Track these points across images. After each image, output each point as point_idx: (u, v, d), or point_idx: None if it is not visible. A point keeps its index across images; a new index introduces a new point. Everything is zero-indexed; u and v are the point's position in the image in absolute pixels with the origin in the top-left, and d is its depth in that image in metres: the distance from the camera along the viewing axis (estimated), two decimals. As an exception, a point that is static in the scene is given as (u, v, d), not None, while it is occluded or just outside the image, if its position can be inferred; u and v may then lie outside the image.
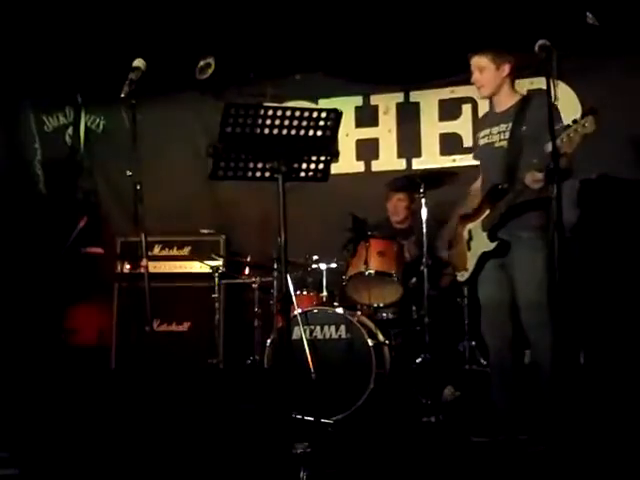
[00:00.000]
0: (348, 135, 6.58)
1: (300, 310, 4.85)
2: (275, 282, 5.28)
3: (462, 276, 4.29)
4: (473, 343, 5.25)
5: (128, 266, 5.84)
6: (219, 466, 2.64)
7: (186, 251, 5.96)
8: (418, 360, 5.10)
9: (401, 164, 6.49)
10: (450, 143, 6.23)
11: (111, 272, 6.11)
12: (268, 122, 3.39)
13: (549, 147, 3.41)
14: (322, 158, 3.59)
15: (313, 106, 6.59)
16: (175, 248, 5.99)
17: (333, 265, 5.23)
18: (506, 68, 4.17)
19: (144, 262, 3.70)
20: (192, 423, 2.75)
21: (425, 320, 4.68)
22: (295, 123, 3.44)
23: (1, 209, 6.41)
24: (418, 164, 6.37)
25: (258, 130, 3.39)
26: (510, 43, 5.41)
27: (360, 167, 6.60)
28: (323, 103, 6.60)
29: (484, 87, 4.21)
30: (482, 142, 4.28)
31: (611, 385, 5.00)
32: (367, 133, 6.61)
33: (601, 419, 4.34)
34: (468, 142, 6.13)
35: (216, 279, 5.55)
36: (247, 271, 5.70)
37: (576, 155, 3.60)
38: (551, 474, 3.35)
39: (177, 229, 6.20)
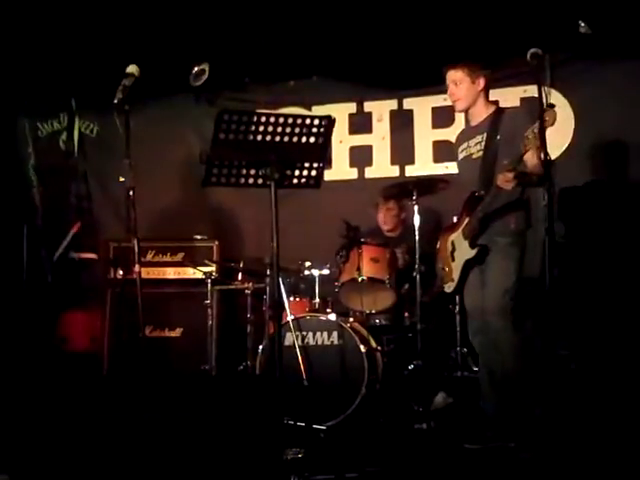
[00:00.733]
0: (342, 142, 6.59)
1: (292, 316, 4.85)
2: (268, 288, 5.28)
3: (449, 287, 4.35)
4: (465, 350, 5.26)
5: (121, 272, 5.82)
6: (210, 472, 2.64)
7: (179, 257, 5.94)
8: (410, 367, 5.11)
9: (394, 171, 6.50)
10: (443, 150, 6.23)
11: (105, 277, 6.09)
12: (261, 128, 3.41)
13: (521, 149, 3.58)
14: (315, 165, 3.61)
15: (306, 113, 6.60)
16: (168, 254, 5.97)
17: (326, 271, 5.23)
18: (481, 82, 4.25)
19: (137, 268, 3.69)
20: (183, 429, 2.75)
21: (417, 327, 4.70)
22: (288, 130, 3.45)
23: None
24: (411, 171, 6.38)
25: (251, 136, 3.41)
26: (503, 50, 5.49)
27: (353, 174, 6.61)
28: (317, 110, 6.61)
29: (460, 100, 4.30)
30: (461, 156, 4.39)
31: (601, 390, 5.01)
32: (361, 140, 6.63)
33: (591, 425, 4.37)
34: (461, 149, 6.16)
35: (209, 285, 5.54)
36: (240, 277, 5.69)
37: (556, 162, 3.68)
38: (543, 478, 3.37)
39: (170, 235, 6.18)
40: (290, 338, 4.79)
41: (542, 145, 3.31)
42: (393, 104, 6.56)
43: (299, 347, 4.74)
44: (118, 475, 2.86)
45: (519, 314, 4.10)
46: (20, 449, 3.61)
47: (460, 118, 6.23)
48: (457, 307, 5.22)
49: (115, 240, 5.94)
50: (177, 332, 5.87)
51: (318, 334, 4.88)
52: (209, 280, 5.54)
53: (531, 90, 5.50)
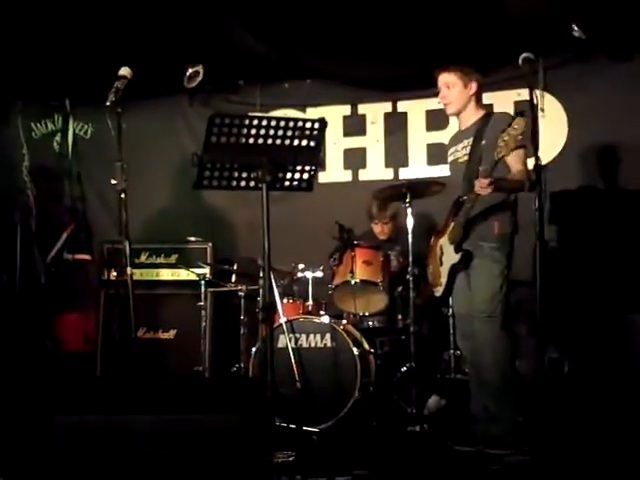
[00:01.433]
0: (336, 144, 6.60)
1: (285, 318, 4.86)
2: (261, 290, 5.28)
3: (438, 291, 4.37)
4: (458, 352, 5.26)
5: (114, 273, 5.82)
6: (199, 475, 2.64)
7: (173, 259, 5.93)
8: (403, 369, 5.11)
9: (388, 173, 6.50)
10: (437, 153, 6.23)
11: (98, 279, 6.08)
12: (253, 132, 3.43)
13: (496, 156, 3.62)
14: (307, 168, 3.61)
15: (301, 114, 6.61)
16: (162, 255, 5.96)
17: (319, 274, 5.23)
18: (473, 86, 4.25)
19: (128, 270, 3.69)
20: (174, 431, 2.75)
21: (411, 329, 4.70)
22: (280, 133, 3.47)
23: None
24: (405, 174, 6.38)
25: (243, 140, 3.42)
26: (497, 54, 5.50)
27: (347, 176, 6.61)
28: (311, 112, 6.62)
29: (452, 104, 4.31)
30: (449, 159, 4.41)
31: (594, 393, 5.03)
32: (355, 142, 6.63)
33: (584, 428, 4.38)
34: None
35: (202, 287, 5.54)
36: (234, 279, 5.69)
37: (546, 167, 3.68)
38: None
39: (164, 236, 6.18)
40: (283, 340, 4.80)
41: (534, 149, 3.31)
42: (387, 107, 6.56)
43: (292, 349, 4.75)
44: (111, 475, 2.85)
45: (508, 318, 4.11)
46: (13, 449, 3.62)
47: (454, 121, 6.21)
48: (450, 310, 5.23)
49: (109, 241, 5.94)
50: (171, 334, 5.86)
51: (311, 336, 4.88)
52: (203, 282, 5.54)
53: (525, 94, 5.48)
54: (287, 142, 3.48)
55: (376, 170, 6.54)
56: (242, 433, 2.76)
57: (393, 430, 4.67)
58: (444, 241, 4.28)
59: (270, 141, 3.46)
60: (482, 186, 3.77)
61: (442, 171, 6.07)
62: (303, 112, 6.65)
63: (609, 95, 5.80)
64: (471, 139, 4.19)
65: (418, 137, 6.46)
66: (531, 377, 4.23)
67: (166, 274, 5.93)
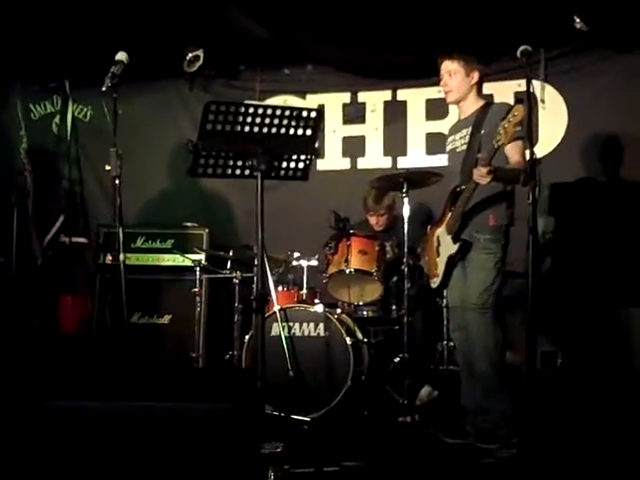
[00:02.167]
0: (335, 132, 6.58)
1: (279, 307, 4.85)
2: (255, 278, 5.27)
3: (434, 283, 4.36)
4: (451, 343, 5.26)
5: (110, 257, 5.83)
6: (186, 465, 2.65)
7: (169, 244, 5.92)
8: (396, 359, 5.12)
9: (387, 162, 6.48)
10: (436, 142, 6.20)
11: (95, 262, 6.08)
12: (249, 120, 3.40)
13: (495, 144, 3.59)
14: (302, 157, 3.60)
15: (301, 101, 6.59)
16: (158, 240, 5.95)
17: (314, 262, 5.22)
18: (475, 75, 4.24)
19: (121, 257, 3.70)
20: (164, 419, 2.75)
21: (404, 319, 4.69)
22: (276, 121, 3.45)
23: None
24: (404, 163, 6.37)
25: (239, 128, 3.40)
26: (498, 44, 5.46)
27: (346, 164, 6.60)
28: (311, 98, 6.60)
29: (452, 92, 4.29)
30: (448, 148, 4.40)
31: (587, 386, 5.04)
32: (354, 130, 6.60)
33: (576, 421, 4.39)
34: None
35: (198, 273, 5.53)
36: (229, 265, 5.68)
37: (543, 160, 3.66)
38: (522, 477, 3.37)
39: (161, 221, 6.18)
40: (277, 328, 4.80)
41: (529, 142, 3.29)
42: (387, 95, 6.53)
43: (285, 338, 4.74)
44: (99, 463, 2.85)
45: (500, 311, 4.10)
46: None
47: (454, 110, 6.19)
48: (444, 301, 5.22)
49: (106, 225, 5.94)
50: (166, 319, 5.86)
51: (305, 325, 4.88)
52: (198, 268, 5.53)
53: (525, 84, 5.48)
54: (283, 131, 3.46)
55: (375, 158, 6.52)
56: (231, 423, 2.75)
57: (384, 420, 4.67)
58: (441, 232, 4.27)
59: (266, 130, 3.43)
60: (481, 174, 3.75)
61: (441, 160, 6.03)
62: (303, 99, 6.63)
63: (609, 87, 5.79)
64: (470, 129, 4.17)
65: (417, 126, 6.44)
66: (524, 369, 4.22)
67: (162, 259, 5.92)
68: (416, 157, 6.40)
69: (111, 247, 5.80)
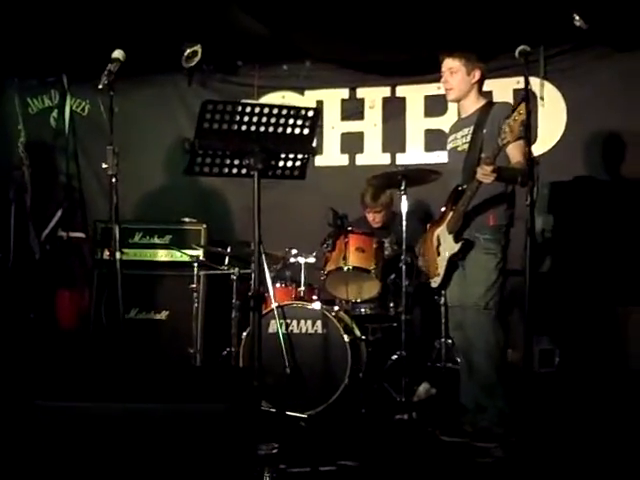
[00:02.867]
0: (334, 128, 6.57)
1: (277, 304, 4.84)
2: (253, 276, 5.26)
3: (435, 282, 4.35)
4: (449, 341, 5.26)
5: (108, 252, 5.80)
6: (182, 464, 2.64)
7: (167, 239, 5.90)
8: (394, 357, 5.11)
9: (385, 159, 6.48)
10: (435, 139, 6.21)
11: (92, 258, 6.07)
12: (246, 119, 3.39)
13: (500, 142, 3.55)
14: (300, 156, 3.59)
15: (299, 97, 6.58)
16: (156, 236, 5.93)
17: (312, 259, 5.21)
18: (476, 74, 4.22)
19: (117, 255, 3.69)
20: (159, 420, 2.74)
21: (402, 317, 4.68)
22: (273, 120, 3.44)
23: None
24: (402, 159, 6.35)
25: (235, 126, 3.39)
26: (498, 42, 5.45)
27: (344, 160, 6.59)
28: (310, 94, 6.59)
29: (453, 90, 4.27)
30: (449, 147, 4.37)
31: (584, 385, 5.04)
32: (352, 126, 6.59)
33: (574, 419, 4.39)
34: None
35: (195, 269, 5.52)
36: (227, 261, 5.67)
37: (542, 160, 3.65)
38: (519, 476, 3.38)
39: (158, 217, 6.16)
40: (274, 325, 4.80)
41: (527, 143, 3.28)
42: (386, 91, 6.52)
43: (282, 335, 4.74)
44: (94, 463, 2.85)
45: (502, 310, 4.10)
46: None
47: (453, 108, 6.21)
48: (442, 298, 5.21)
49: (103, 220, 5.92)
50: (163, 315, 5.85)
51: (302, 322, 4.87)
52: (196, 264, 5.52)
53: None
54: (280, 130, 3.45)
55: (373, 155, 6.51)
56: (227, 423, 2.75)
57: (381, 418, 4.67)
58: (442, 231, 4.25)
59: (263, 128, 3.43)
60: (485, 173, 3.73)
61: (439, 157, 6.05)
62: (301, 95, 6.62)
63: (608, 85, 5.79)
64: (472, 128, 4.15)
65: (416, 123, 6.43)
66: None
67: (159, 255, 5.90)
68: (415, 154, 6.39)
69: (108, 242, 5.72)
